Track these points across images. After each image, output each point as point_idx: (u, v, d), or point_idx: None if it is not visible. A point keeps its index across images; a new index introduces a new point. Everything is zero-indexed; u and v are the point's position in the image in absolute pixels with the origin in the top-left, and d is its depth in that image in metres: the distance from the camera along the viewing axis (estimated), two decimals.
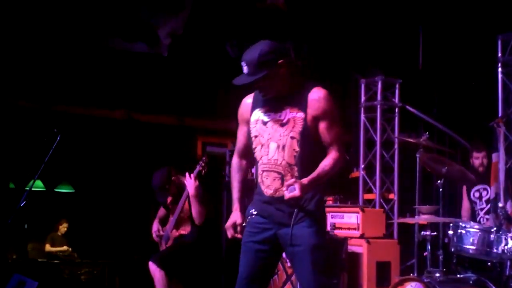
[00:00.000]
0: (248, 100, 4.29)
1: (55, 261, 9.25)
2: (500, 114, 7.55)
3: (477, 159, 7.22)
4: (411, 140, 6.65)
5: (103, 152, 9.71)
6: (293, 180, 3.91)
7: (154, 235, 7.01)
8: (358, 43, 10.18)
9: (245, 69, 4.03)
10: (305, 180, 3.92)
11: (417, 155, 6.37)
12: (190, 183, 6.69)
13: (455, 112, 9.92)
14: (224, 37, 10.42)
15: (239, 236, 4.23)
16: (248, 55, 4.03)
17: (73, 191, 10.13)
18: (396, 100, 9.23)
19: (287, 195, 3.86)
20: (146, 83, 10.00)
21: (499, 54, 7.80)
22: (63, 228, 9.98)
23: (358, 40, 10.21)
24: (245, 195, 4.35)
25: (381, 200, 8.97)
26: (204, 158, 6.86)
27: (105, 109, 9.92)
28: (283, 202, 3.96)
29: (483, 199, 7.12)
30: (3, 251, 8.72)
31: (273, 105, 4.14)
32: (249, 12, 10.19)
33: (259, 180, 4.17)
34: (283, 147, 4.05)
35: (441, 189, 6.19)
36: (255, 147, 4.17)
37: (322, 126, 4.05)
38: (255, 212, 4.20)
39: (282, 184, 4.00)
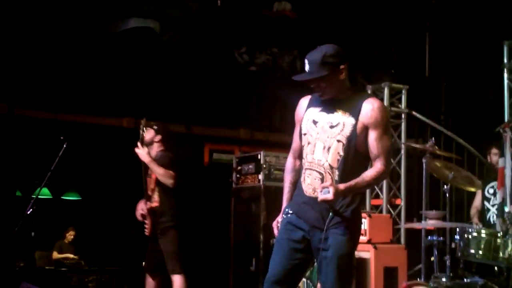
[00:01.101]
0: (305, 100, 4.35)
1: (63, 269, 9.26)
2: (506, 120, 7.53)
3: (496, 155, 7.22)
4: (418, 146, 6.66)
5: (110, 160, 9.72)
6: (329, 183, 3.94)
7: (138, 215, 6.66)
8: (364, 49, 10.20)
9: (307, 67, 4.10)
10: (341, 186, 3.93)
11: (424, 161, 6.37)
12: (138, 152, 6.46)
13: (462, 117, 9.93)
14: (232, 45, 10.45)
15: None
16: (312, 55, 4.11)
17: (80, 198, 10.14)
18: (403, 106, 9.21)
19: (320, 196, 3.88)
20: (153, 91, 10.02)
21: (505, 60, 7.78)
22: (70, 236, 9.98)
23: (364, 46, 10.23)
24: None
25: (388, 206, 8.95)
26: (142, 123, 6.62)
27: (112, 117, 9.94)
28: (319, 203, 3.96)
29: (497, 195, 7.10)
30: (11, 259, 8.73)
31: (326, 106, 4.18)
32: (257, 20, 10.23)
33: (301, 178, 4.19)
34: (329, 148, 4.08)
35: (447, 195, 6.19)
36: (303, 145, 4.21)
37: (372, 136, 4.07)
38: (291, 211, 4.21)
39: None
